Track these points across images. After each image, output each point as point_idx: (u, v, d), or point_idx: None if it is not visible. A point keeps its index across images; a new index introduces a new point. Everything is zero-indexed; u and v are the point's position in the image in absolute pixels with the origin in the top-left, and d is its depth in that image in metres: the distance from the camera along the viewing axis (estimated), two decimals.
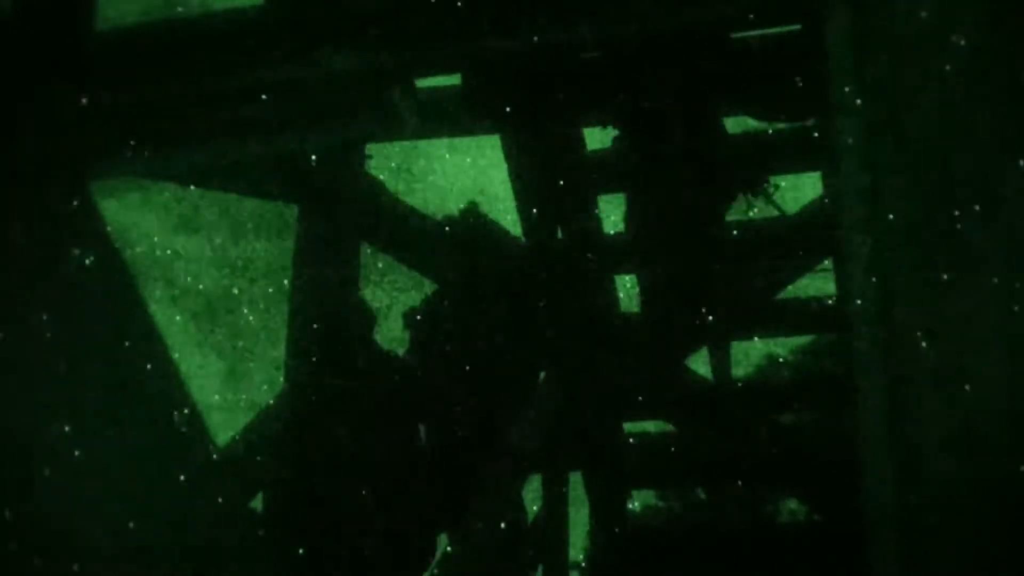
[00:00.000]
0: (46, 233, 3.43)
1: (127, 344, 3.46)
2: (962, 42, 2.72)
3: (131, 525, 3.52)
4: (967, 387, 2.57)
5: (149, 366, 3.48)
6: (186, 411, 3.72)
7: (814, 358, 9.32)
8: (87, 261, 3.40)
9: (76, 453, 3.29)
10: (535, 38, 3.95)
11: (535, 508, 6.66)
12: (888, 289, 2.61)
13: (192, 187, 5.97)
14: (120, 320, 3.46)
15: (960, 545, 2.50)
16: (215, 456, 4.70)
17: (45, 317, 3.30)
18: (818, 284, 7.30)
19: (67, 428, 3.28)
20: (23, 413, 3.29)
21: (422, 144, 11.75)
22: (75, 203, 3.49)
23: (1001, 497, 2.49)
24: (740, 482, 7.85)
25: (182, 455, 3.77)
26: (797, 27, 5.17)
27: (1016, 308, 2.62)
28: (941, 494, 2.52)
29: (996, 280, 2.62)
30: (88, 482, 3.36)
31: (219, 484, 4.20)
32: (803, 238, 6.71)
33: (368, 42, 3.95)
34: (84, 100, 3.68)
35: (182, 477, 3.73)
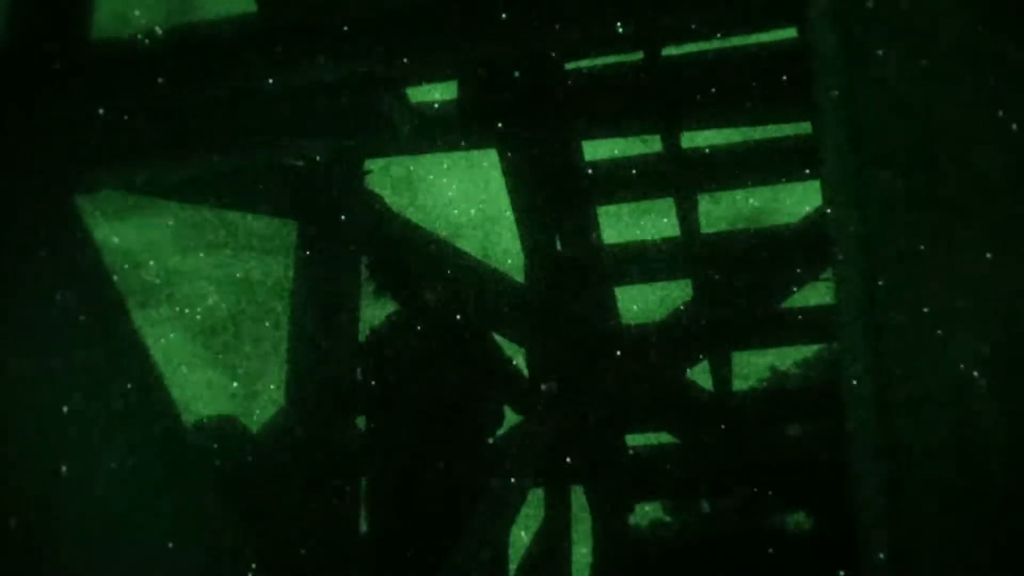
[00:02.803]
0: (30, 245, 3.41)
1: (113, 357, 3.43)
2: (950, 40, 2.69)
3: (122, 538, 3.49)
4: (959, 391, 2.53)
5: (137, 379, 3.45)
6: (175, 423, 3.69)
7: (819, 369, 9.26)
8: (72, 276, 3.38)
9: (61, 467, 3.26)
10: (529, 43, 3.93)
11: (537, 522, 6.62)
12: (877, 293, 2.58)
13: (191, 204, 5.94)
14: (106, 333, 3.44)
15: (952, 552, 2.46)
16: (211, 468, 4.68)
17: (30, 330, 3.27)
18: (821, 294, 7.26)
19: (54, 441, 3.25)
20: (7, 425, 3.26)
21: (423, 159, 11.75)
22: (61, 216, 3.47)
23: (994, 503, 2.45)
24: (744, 494, 7.80)
25: (172, 468, 3.74)
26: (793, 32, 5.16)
27: (1010, 311, 2.58)
28: (933, 500, 2.48)
29: (988, 283, 2.58)
30: (74, 496, 3.33)
31: (214, 495, 4.16)
32: (806, 247, 6.67)
33: (361, 50, 3.92)
34: (71, 111, 3.66)
35: (173, 491, 3.70)
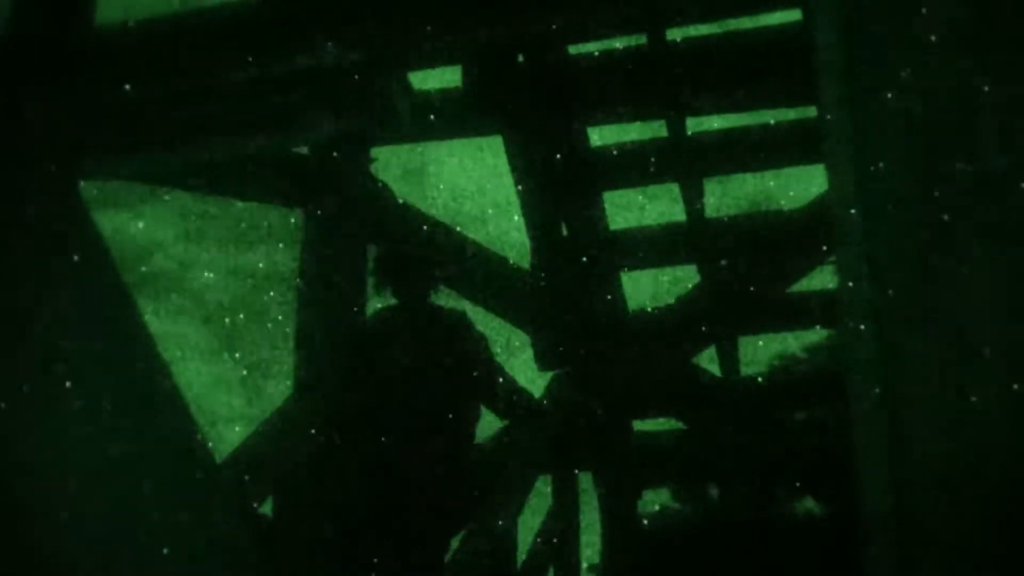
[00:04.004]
0: (35, 236, 3.41)
1: (121, 348, 3.43)
2: (950, 27, 2.67)
3: (131, 533, 3.48)
4: (962, 382, 2.52)
5: (142, 368, 3.45)
6: (183, 416, 3.69)
7: (828, 354, 9.25)
8: (76, 263, 3.38)
9: (67, 461, 3.26)
10: (533, 27, 3.92)
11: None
12: (880, 281, 2.56)
13: (197, 193, 5.94)
14: (110, 321, 3.44)
15: (956, 543, 2.45)
16: (221, 462, 4.67)
17: (33, 320, 3.27)
18: (828, 279, 7.24)
19: (59, 433, 3.25)
20: (12, 420, 3.26)
21: (429, 146, 11.74)
22: (66, 205, 3.47)
23: (998, 495, 2.44)
24: (754, 480, 7.79)
25: (181, 461, 3.73)
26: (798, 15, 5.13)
27: (1010, 299, 2.57)
28: (937, 492, 2.47)
29: (990, 272, 2.57)
30: (82, 490, 3.33)
31: (224, 490, 4.16)
32: (812, 231, 6.65)
33: (364, 35, 3.92)
34: (75, 98, 3.65)
35: (181, 483, 3.69)
